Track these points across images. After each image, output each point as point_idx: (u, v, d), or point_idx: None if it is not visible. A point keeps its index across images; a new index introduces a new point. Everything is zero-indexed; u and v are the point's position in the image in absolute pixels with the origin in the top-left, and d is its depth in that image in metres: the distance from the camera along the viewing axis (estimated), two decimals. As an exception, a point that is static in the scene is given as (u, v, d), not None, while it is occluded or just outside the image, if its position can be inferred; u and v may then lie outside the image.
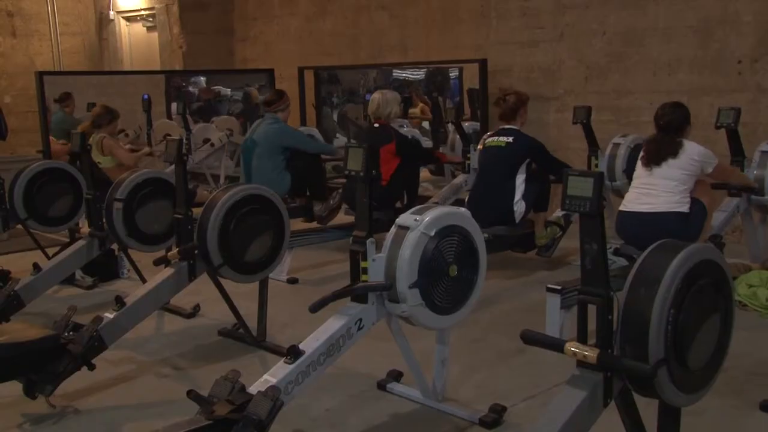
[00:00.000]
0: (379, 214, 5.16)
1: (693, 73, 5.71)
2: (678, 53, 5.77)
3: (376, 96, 5.40)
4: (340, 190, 5.61)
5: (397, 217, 2.79)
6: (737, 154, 4.59)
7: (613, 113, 6.12)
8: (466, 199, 5.12)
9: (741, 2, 5.44)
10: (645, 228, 3.85)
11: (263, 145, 5.59)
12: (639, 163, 4.07)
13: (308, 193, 5.81)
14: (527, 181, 4.72)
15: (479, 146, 5.30)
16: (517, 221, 4.73)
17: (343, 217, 5.67)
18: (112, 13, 10.62)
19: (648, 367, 2.03)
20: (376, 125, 5.36)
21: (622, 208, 4.09)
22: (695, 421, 2.74)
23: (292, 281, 4.97)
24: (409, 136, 6.29)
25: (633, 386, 2.17)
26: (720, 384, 2.34)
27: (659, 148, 3.96)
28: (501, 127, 4.87)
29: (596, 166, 5.22)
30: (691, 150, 3.94)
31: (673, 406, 2.22)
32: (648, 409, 2.29)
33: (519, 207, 4.69)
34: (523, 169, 4.71)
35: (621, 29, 6.05)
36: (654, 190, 3.93)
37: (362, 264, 2.74)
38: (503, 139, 4.76)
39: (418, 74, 7.83)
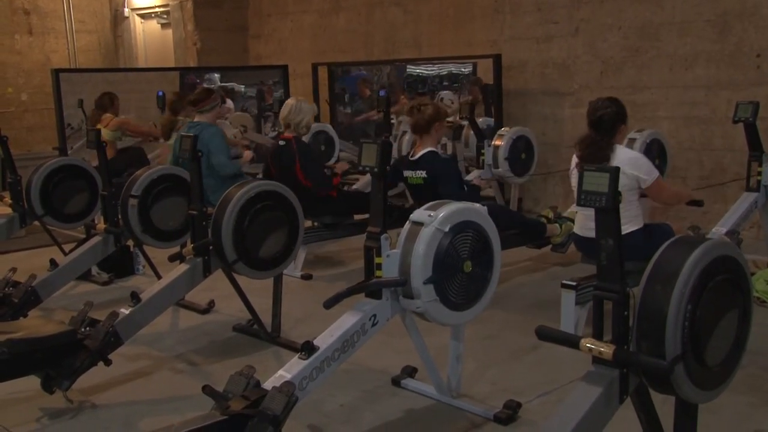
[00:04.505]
0: (337, 222, 5.00)
1: (710, 67, 5.66)
2: (695, 47, 5.71)
3: (290, 101, 5.03)
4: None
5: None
6: (755, 148, 4.53)
7: (628, 108, 6.01)
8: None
9: (759, -5, 5.38)
10: None
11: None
12: (575, 171, 3.69)
13: None
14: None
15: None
16: None
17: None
18: (126, 10, 10.68)
19: (665, 364, 2.01)
20: (282, 142, 4.96)
21: (574, 230, 3.88)
22: (712, 418, 2.72)
23: (306, 277, 4.98)
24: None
25: (649, 383, 2.16)
26: (738, 381, 2.32)
27: (591, 155, 3.52)
28: (411, 155, 4.42)
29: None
30: (621, 158, 3.51)
31: (689, 403, 2.20)
32: (664, 405, 2.27)
33: None
34: None
35: (637, 23, 6.01)
36: None
37: (376, 260, 2.74)
38: (419, 174, 4.35)
39: (432, 70, 7.81)
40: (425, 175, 4.34)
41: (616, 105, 3.66)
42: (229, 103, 7.97)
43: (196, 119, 5.38)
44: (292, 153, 4.90)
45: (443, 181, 4.31)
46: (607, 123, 3.61)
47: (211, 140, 5.19)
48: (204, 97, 5.34)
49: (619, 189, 3.40)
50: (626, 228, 3.44)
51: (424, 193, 4.24)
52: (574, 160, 3.80)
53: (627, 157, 3.57)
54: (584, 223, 3.74)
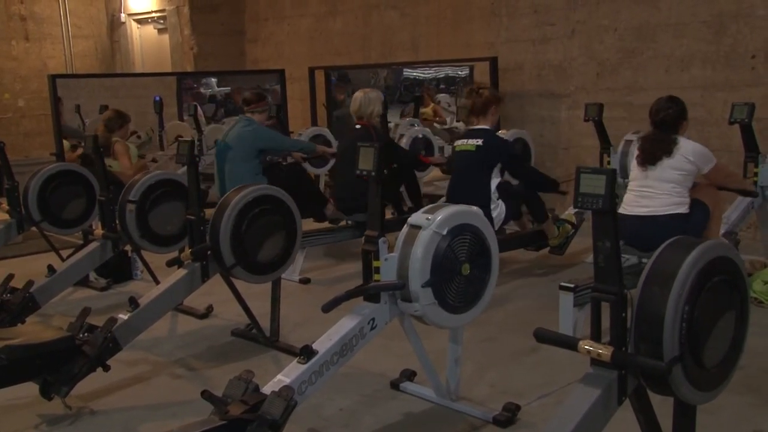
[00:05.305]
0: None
1: (706, 68, 5.67)
2: (691, 48, 5.73)
3: (358, 95, 5.29)
4: None
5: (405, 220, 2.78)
6: (751, 149, 4.55)
7: (625, 110, 6.08)
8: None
9: (755, -4, 5.40)
10: (644, 230, 3.79)
11: (237, 148, 5.32)
12: (634, 162, 3.98)
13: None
14: (505, 187, 4.58)
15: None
16: (495, 228, 4.27)
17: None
18: (123, 15, 10.68)
19: (662, 365, 2.01)
20: (358, 126, 5.25)
21: (620, 210, 3.95)
22: (711, 419, 2.72)
23: (305, 281, 4.98)
24: (420, 135, 6.27)
25: (648, 384, 2.16)
26: (736, 381, 2.32)
27: (653, 147, 3.85)
28: (470, 128, 4.72)
29: (608, 163, 5.20)
30: (686, 148, 3.82)
31: (688, 404, 2.20)
32: (663, 406, 2.27)
33: (498, 213, 4.52)
34: (496, 172, 4.56)
35: (633, 25, 6.02)
36: (650, 192, 3.83)
37: (374, 263, 2.74)
38: (472, 142, 4.58)
39: (429, 73, 7.83)
40: (480, 143, 4.52)
41: (676, 105, 3.91)
42: (199, 110, 7.85)
43: (247, 115, 5.50)
44: (370, 136, 5.07)
45: (513, 160, 4.64)
46: (669, 122, 3.88)
47: (263, 131, 5.42)
48: (255, 100, 5.50)
49: (682, 174, 3.76)
50: (677, 209, 3.80)
51: (470, 163, 4.53)
52: (634, 152, 4.02)
53: (691, 148, 3.84)
54: (635, 200, 3.92)
